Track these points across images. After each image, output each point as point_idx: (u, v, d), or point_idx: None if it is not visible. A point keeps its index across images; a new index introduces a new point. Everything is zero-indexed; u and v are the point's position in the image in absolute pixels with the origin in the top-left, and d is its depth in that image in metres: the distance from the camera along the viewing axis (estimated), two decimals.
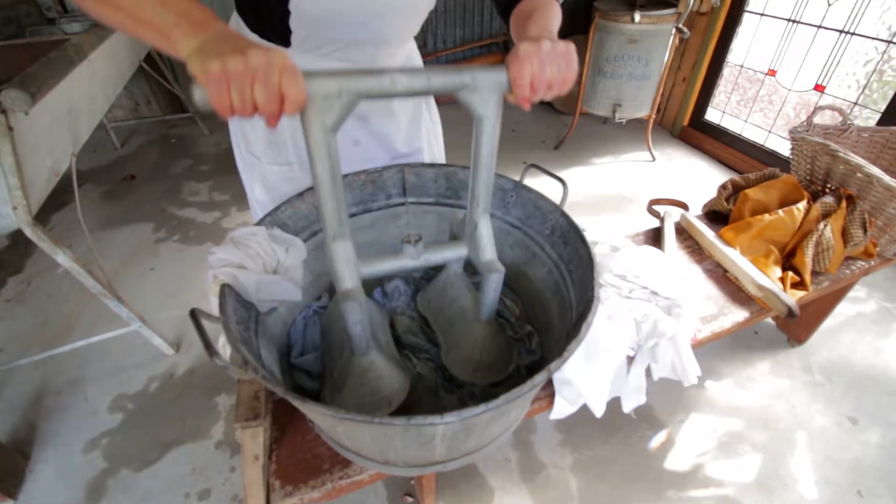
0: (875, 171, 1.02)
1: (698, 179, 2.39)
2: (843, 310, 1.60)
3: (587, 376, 0.80)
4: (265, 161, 0.86)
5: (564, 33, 0.62)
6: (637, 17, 1.97)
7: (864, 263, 1.12)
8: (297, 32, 0.66)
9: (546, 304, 0.85)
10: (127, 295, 1.33)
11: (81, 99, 1.34)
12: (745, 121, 2.44)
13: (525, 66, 0.49)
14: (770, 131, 2.32)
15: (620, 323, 0.86)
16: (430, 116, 0.93)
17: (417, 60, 0.89)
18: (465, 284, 0.83)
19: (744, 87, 2.42)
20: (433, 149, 1.01)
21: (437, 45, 3.04)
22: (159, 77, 2.52)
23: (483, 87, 0.52)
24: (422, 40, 2.98)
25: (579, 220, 0.76)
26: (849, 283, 1.20)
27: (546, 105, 3.08)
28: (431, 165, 0.90)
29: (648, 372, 0.87)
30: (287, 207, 0.80)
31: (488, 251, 0.65)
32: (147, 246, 1.93)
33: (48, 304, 1.65)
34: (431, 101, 0.97)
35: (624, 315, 0.85)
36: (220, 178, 2.41)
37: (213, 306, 0.70)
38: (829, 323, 1.49)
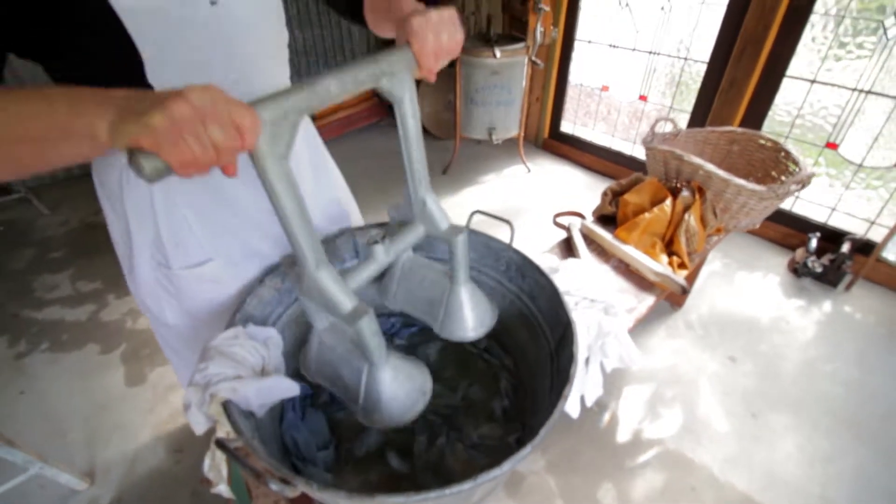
0: (711, 167, 1.33)
1: (567, 182, 2.75)
2: (701, 272, 2.01)
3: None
4: (175, 266, 0.74)
5: None
6: (498, 53, 2.22)
7: (716, 238, 1.44)
8: (146, 51, 0.54)
9: (514, 330, 0.94)
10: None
11: None
12: (593, 129, 2.88)
13: (424, 39, 0.51)
14: (613, 136, 2.78)
15: (577, 333, 0.98)
16: (326, 172, 0.93)
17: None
18: (422, 264, 0.80)
19: (586, 102, 2.86)
20: (340, 190, 1.00)
21: None
22: None
23: (398, 70, 0.53)
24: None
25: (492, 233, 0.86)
26: (708, 253, 1.53)
27: (424, 132, 3.23)
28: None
29: (601, 367, 1.02)
30: (252, 299, 0.77)
31: (443, 221, 0.68)
32: (5, 365, 1.57)
33: None
34: (322, 150, 0.94)
35: (578, 325, 0.98)
36: (82, 262, 2.06)
37: (194, 425, 0.65)
38: (695, 285, 1.86)
